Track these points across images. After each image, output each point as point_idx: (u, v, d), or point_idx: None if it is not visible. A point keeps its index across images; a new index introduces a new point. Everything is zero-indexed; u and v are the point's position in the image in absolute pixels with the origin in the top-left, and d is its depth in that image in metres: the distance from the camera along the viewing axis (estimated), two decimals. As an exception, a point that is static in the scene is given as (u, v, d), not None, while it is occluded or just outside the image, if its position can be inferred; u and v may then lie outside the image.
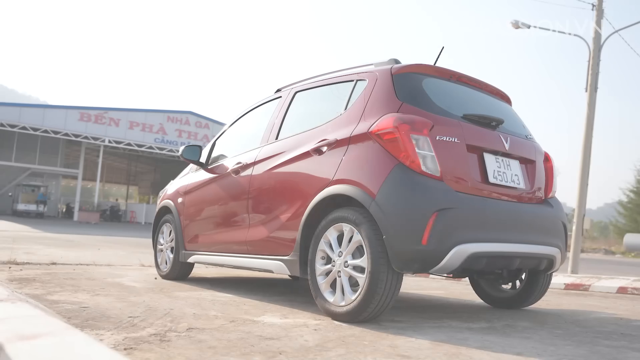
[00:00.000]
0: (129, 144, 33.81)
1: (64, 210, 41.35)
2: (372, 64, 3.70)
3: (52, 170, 37.08)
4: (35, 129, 30.79)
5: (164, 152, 35.08)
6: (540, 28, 16.44)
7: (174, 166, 43.32)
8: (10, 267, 5.25)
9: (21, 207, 32.91)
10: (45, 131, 31.20)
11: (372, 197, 2.98)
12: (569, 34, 15.52)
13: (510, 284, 4.21)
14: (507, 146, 3.47)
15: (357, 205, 3.13)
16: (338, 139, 3.35)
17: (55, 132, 31.46)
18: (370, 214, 2.99)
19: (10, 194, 36.50)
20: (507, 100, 4.10)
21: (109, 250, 9.48)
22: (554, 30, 16.53)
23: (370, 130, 3.17)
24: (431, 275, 7.19)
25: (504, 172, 3.44)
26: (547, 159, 3.91)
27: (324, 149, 3.43)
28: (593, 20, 14.09)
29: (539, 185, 3.72)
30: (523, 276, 4.11)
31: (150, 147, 34.61)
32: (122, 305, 3.33)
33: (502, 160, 3.47)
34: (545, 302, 4.68)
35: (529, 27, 16.33)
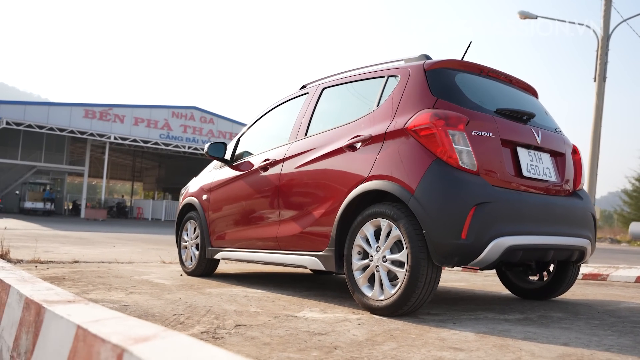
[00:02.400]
0: (134, 140, 33.79)
1: (71, 207, 41.43)
2: (402, 60, 3.72)
3: (58, 167, 37.12)
4: (40, 127, 30.80)
5: (169, 147, 35.07)
6: (548, 18, 16.42)
7: (179, 162, 43.31)
8: (36, 266, 5.30)
9: (28, 205, 32.96)
10: (51, 129, 31.19)
11: (410, 193, 3.01)
12: (578, 23, 15.49)
13: (537, 275, 4.25)
14: (538, 140, 3.50)
15: (393, 201, 3.17)
16: (373, 135, 3.38)
17: (61, 130, 31.44)
18: (409, 209, 3.02)
19: (17, 192, 36.57)
20: (534, 93, 4.12)
21: (124, 247, 9.53)
22: (562, 20, 16.49)
23: (406, 126, 3.20)
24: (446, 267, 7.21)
25: (537, 165, 3.47)
26: (575, 151, 3.94)
27: (358, 145, 3.45)
28: (602, 9, 14.06)
29: (569, 178, 3.75)
30: (550, 267, 4.15)
31: (156, 143, 34.59)
32: (160, 303, 3.38)
33: (534, 153, 3.50)
34: (571, 293, 4.71)
35: (536, 17, 16.29)
